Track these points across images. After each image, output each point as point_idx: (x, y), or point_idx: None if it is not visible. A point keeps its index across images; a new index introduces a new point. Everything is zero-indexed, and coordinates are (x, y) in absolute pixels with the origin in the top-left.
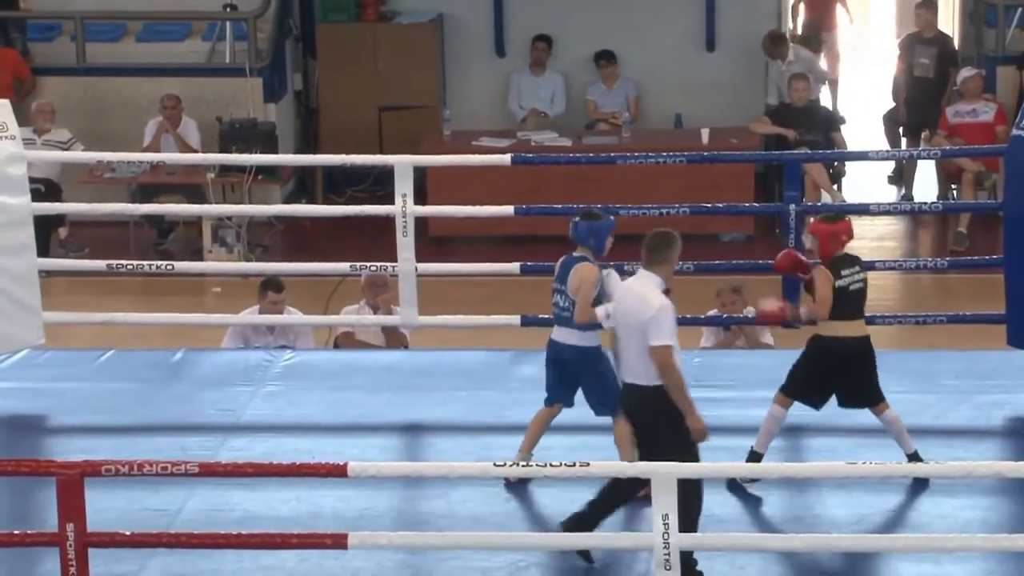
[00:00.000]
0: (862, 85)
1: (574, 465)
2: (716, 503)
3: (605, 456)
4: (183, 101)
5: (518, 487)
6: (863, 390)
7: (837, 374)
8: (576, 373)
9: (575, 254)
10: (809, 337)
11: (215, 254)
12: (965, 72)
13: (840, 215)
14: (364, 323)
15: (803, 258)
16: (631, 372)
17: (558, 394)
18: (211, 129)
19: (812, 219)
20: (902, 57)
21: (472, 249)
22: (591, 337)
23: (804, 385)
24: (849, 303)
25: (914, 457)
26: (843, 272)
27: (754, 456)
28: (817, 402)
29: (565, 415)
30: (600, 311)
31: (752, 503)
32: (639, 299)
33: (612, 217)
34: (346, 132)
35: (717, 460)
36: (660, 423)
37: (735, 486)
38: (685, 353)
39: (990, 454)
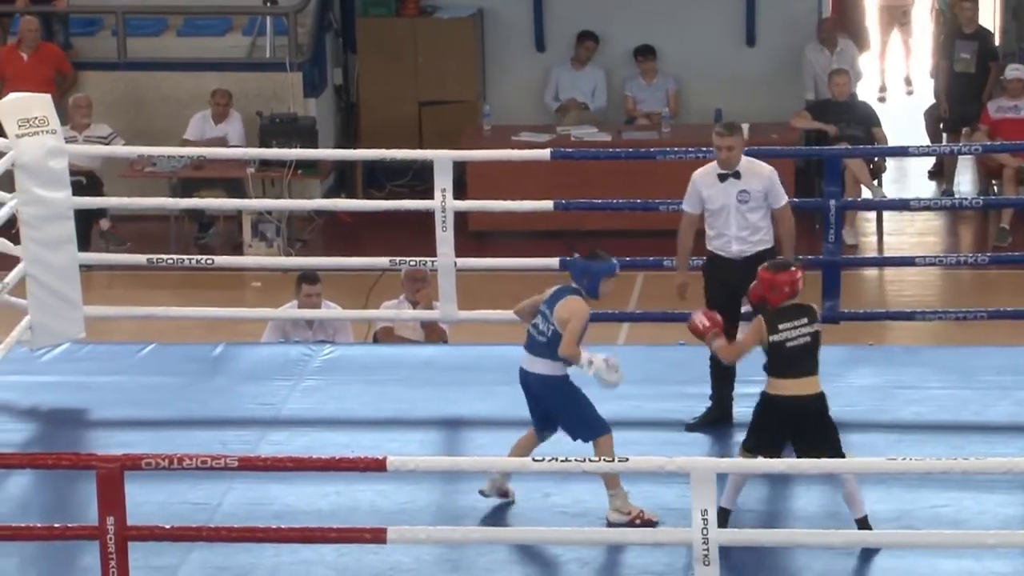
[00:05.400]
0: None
1: (612, 460)
2: (753, 499)
3: (640, 451)
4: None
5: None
6: (819, 451)
7: (786, 432)
8: (544, 401)
9: (572, 285)
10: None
11: (255, 248)
12: (1011, 71)
13: (787, 265)
14: (403, 318)
15: (705, 323)
16: None
17: (537, 423)
18: (252, 124)
19: (761, 267)
20: (943, 52)
21: (511, 244)
22: (557, 366)
23: (757, 441)
24: (789, 359)
25: (863, 523)
26: (780, 326)
27: (722, 512)
28: (771, 455)
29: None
30: (585, 356)
31: (790, 499)
32: None
33: (614, 260)
34: (386, 127)
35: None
36: None
37: None
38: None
39: None
